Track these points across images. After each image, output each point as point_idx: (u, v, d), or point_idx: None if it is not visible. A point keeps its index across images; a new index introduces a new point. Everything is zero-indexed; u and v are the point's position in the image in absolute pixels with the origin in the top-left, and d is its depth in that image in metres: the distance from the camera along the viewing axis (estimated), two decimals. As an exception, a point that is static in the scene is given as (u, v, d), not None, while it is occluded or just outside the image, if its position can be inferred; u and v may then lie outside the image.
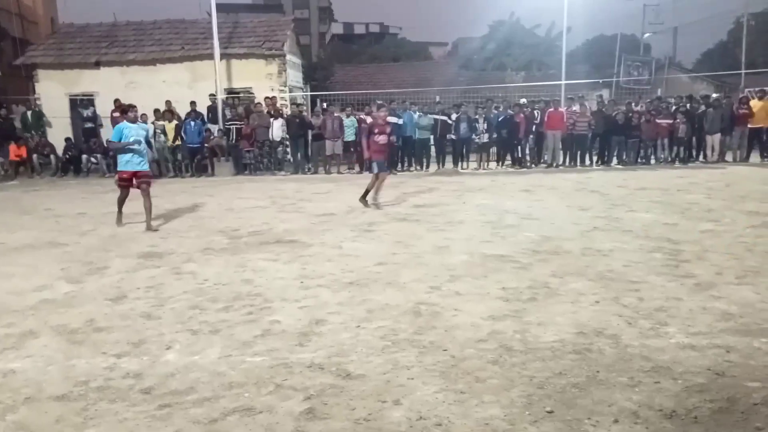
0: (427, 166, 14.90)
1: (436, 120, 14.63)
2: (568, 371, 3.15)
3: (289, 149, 15.31)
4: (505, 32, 26.62)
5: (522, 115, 14.44)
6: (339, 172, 14.70)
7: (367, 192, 9.04)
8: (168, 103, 15.27)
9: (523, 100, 16.17)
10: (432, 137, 14.90)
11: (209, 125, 15.64)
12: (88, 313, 4.38)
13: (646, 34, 30.21)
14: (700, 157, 14.73)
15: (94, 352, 3.65)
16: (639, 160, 14.73)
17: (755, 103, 14.32)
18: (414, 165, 15.00)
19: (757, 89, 15.60)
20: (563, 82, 17.00)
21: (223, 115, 15.81)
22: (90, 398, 3.03)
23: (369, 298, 4.54)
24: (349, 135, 14.70)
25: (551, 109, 14.40)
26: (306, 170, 15.05)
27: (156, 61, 17.41)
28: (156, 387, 3.13)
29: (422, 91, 18.80)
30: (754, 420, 2.59)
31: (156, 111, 15.09)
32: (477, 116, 14.74)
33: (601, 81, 22.14)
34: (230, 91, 16.94)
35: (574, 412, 2.72)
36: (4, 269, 5.84)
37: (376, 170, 9.18)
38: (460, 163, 14.92)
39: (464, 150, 14.96)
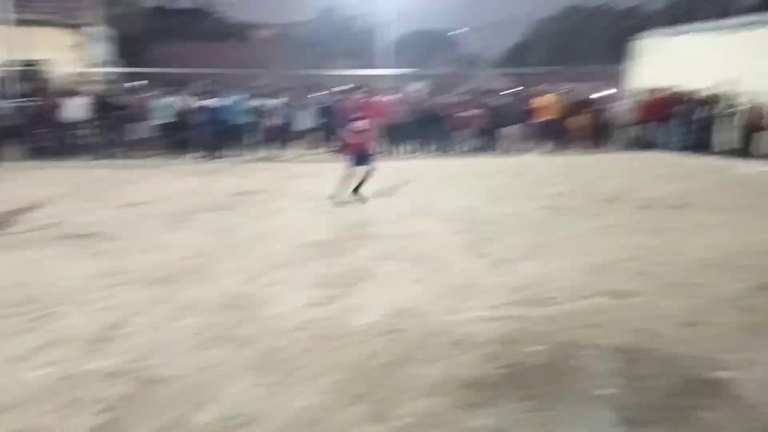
0: (250, 152, 14.46)
1: (260, 104, 14.23)
2: (381, 352, 3.26)
3: (94, 131, 13.78)
4: (331, 19, 26.84)
5: (348, 102, 14.66)
6: (153, 157, 13.62)
7: (354, 185, 8.12)
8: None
9: (343, 87, 16.44)
10: (255, 122, 14.47)
11: (-1, 101, 13.46)
12: None
13: (457, 31, 32.61)
14: (500, 147, 16.27)
15: None
16: (449, 149, 15.83)
17: (544, 99, 16.15)
18: (237, 150, 14.46)
19: (546, 85, 17.60)
20: (384, 71, 17.64)
21: (13, 90, 13.71)
22: None
23: (182, 293, 4.27)
24: (167, 117, 13.68)
25: (372, 97, 14.82)
26: (114, 155, 13.69)
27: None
28: None
29: (246, 74, 18.18)
30: (537, 380, 2.91)
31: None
32: (302, 101, 14.65)
33: (418, 72, 23.39)
34: (25, 64, 14.75)
35: (386, 391, 2.83)
36: None
37: (354, 163, 8.16)
38: (284, 149, 14.72)
39: (289, 135, 14.79)
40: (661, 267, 4.87)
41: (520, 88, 18.41)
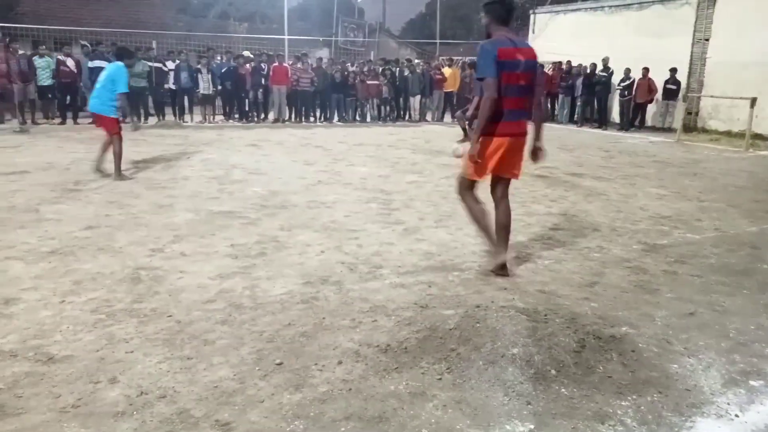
0: (145, 119, 13.60)
1: (151, 67, 13.35)
2: (296, 321, 3.24)
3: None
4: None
5: (248, 67, 14.13)
6: (34, 122, 12.46)
7: None
8: None
9: (247, 53, 15.82)
10: (152, 86, 13.59)
11: None
12: None
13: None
14: (406, 116, 16.49)
15: None
16: (356, 118, 15.82)
17: (447, 71, 16.50)
18: (129, 116, 13.53)
19: (446, 58, 17.98)
20: (286, 37, 17.13)
21: None
22: None
23: (76, 267, 3.98)
24: (45, 78, 12.51)
25: (275, 64, 14.40)
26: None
27: None
28: None
29: (135, 33, 16.92)
30: (449, 343, 3.02)
31: None
32: (199, 66, 13.93)
33: (321, 39, 22.95)
34: None
35: (302, 360, 2.82)
36: None
37: None
38: (182, 116, 13.99)
39: (186, 101, 14.06)
40: (555, 233, 5.20)
41: (421, 60, 18.66)
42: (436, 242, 4.81)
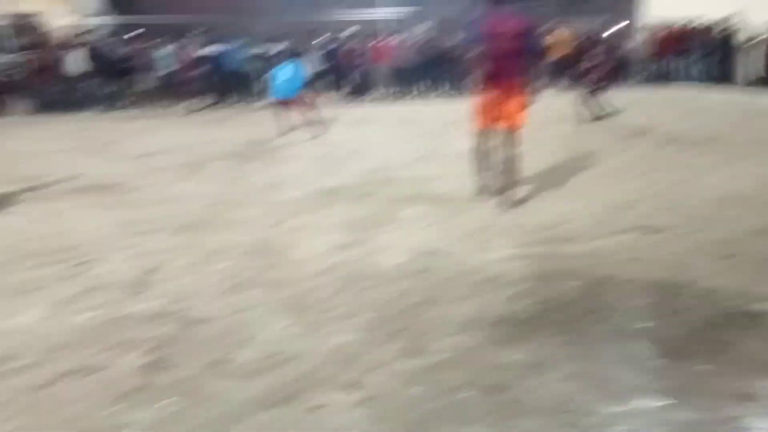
0: (256, 100, 14.27)
1: (261, 51, 13.95)
2: (409, 292, 3.32)
3: (97, 83, 13.60)
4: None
5: (352, 45, 14.37)
6: (163, 108, 13.48)
7: None
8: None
9: (353, 30, 16.04)
10: (259, 68, 14.22)
11: (-7, 55, 13.28)
12: None
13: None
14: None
15: None
16: (462, 90, 15.54)
17: (556, 35, 15.55)
18: (242, 98, 14.29)
19: (558, 22, 16.87)
20: (391, 9, 17.13)
21: (11, 44, 13.47)
22: None
23: (206, 239, 4.32)
24: (167, 66, 13.47)
25: (378, 40, 14.50)
26: (119, 107, 13.56)
27: None
28: (-36, 359, 2.70)
29: (246, 19, 17.70)
30: (571, 315, 2.95)
31: None
32: (306, 47, 14.34)
33: (424, 11, 22.64)
34: (17, 16, 14.42)
35: (419, 328, 2.89)
36: None
37: None
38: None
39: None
40: (689, 201, 4.86)
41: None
42: (550, 214, 4.67)
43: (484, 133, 4.92)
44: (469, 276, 3.51)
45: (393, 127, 9.98)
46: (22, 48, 13.43)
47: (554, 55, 15.33)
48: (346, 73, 14.75)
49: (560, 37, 15.47)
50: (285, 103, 9.33)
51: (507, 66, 4.62)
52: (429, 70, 14.96)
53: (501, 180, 4.91)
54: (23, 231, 4.62)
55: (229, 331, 2.91)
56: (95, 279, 3.63)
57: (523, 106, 4.76)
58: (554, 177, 5.93)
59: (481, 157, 5.03)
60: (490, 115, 4.77)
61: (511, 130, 4.78)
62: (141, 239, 4.34)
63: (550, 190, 5.41)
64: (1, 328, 3.01)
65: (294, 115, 9.14)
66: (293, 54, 9.43)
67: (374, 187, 5.75)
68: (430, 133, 9.24)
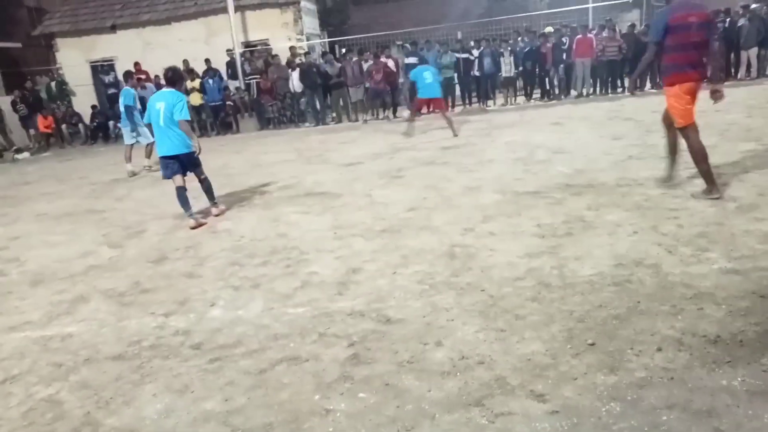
0: (453, 106, 14.61)
1: (458, 58, 14.23)
2: (608, 303, 3.14)
3: (311, 100, 15.16)
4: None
5: (549, 45, 13.93)
6: (364, 120, 14.55)
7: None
8: (186, 62, 15.14)
9: (549, 29, 15.55)
10: (456, 76, 14.54)
11: (229, 81, 15.55)
12: (132, 276, 4.53)
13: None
14: (738, 74, 14.05)
15: (142, 312, 3.79)
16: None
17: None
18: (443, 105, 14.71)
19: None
20: (590, 5, 16.21)
21: (243, 69, 15.67)
22: (144, 356, 3.17)
23: (403, 243, 4.56)
24: (370, 79, 14.43)
25: (579, 36, 13.82)
26: (329, 120, 14.93)
27: (171, 20, 17.22)
28: (205, 342, 3.25)
29: (442, 28, 18.21)
30: (802, 340, 2.55)
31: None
32: (502, 50, 14.27)
33: (631, 0, 21.04)
34: (247, 45, 16.73)
35: (616, 343, 2.73)
36: (48, 238, 6.05)
37: None
38: (486, 101, 14.58)
39: (489, 86, 14.60)
40: None
41: (761, 4, 15.53)
42: (782, 222, 4.05)
43: (694, 127, 4.86)
44: (678, 289, 3.21)
45: (597, 126, 9.44)
46: (252, 73, 15.51)
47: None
48: (544, 73, 14.32)
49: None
50: (428, 102, 10.83)
51: (698, 56, 4.73)
52: (634, 65, 13.82)
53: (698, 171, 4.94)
54: (251, 233, 5.36)
55: (422, 332, 3.06)
56: (308, 276, 4.08)
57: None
58: (791, 177, 5.11)
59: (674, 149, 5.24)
60: (693, 108, 4.84)
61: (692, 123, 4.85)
62: (345, 242, 4.76)
63: (785, 193, 4.67)
64: (230, 317, 3.55)
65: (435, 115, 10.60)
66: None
67: (574, 191, 5.53)
68: (642, 129, 8.56)
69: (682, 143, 5.05)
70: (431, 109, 11.85)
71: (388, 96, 14.47)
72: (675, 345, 2.65)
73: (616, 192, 5.33)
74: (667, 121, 5.10)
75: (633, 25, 14.72)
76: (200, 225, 5.82)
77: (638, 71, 6.00)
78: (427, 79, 10.29)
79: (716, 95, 4.74)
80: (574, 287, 3.40)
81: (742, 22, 13.67)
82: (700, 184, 4.96)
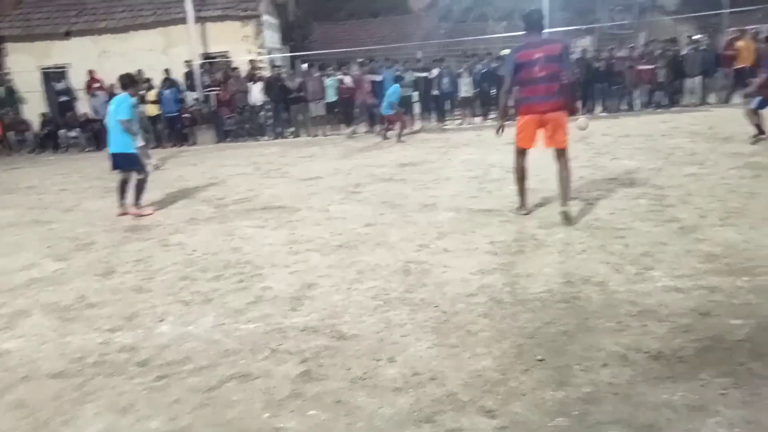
0: (411, 124, 14.75)
1: (417, 77, 14.43)
2: (557, 320, 3.21)
3: (270, 113, 15.07)
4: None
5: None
6: (324, 135, 14.53)
7: None
8: (139, 72, 14.62)
9: (506, 51, 15.93)
10: (415, 94, 14.72)
11: (187, 92, 15.32)
12: (78, 290, 4.38)
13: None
14: (682, 101, 14.71)
15: (87, 327, 3.66)
16: (622, 107, 14.70)
17: (741, 44, 14.15)
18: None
19: (744, 28, 15.31)
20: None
21: (201, 81, 15.48)
22: (86, 374, 3.05)
23: (359, 259, 4.56)
24: (331, 96, 14.48)
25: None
26: (288, 134, 14.86)
27: (128, 28, 16.90)
28: (152, 359, 3.16)
29: (403, 47, 18.47)
30: (737, 356, 2.67)
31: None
32: (460, 70, 14.55)
33: (583, 28, 21.84)
34: (206, 56, 16.54)
35: (565, 359, 2.79)
36: (-11, 250, 5.79)
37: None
38: (444, 119, 14.80)
39: (448, 105, 14.83)
40: None
41: (704, 35, 16.35)
42: (721, 243, 4.24)
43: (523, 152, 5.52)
44: (624, 306, 3.31)
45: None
46: (211, 84, 15.34)
47: (734, 65, 13.97)
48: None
49: (742, 46, 14.02)
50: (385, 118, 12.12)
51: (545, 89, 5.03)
52: (586, 88, 14.34)
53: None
54: (204, 247, 5.26)
55: (375, 348, 3.06)
56: (262, 291, 4.02)
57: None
58: (728, 202, 5.36)
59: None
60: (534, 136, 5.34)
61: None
62: (300, 257, 4.73)
63: (723, 216, 4.89)
64: (179, 333, 3.47)
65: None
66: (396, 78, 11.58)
67: (527, 209, 5.63)
68: (592, 151, 8.83)
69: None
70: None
71: (376, 109, 14.54)
72: (620, 361, 2.73)
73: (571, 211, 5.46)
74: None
75: (584, 50, 15.27)
76: (124, 214, 6.73)
77: (500, 105, 5.91)
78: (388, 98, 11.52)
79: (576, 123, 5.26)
80: (525, 304, 3.46)
81: (686, 51, 14.37)
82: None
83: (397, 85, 12.64)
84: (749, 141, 8.23)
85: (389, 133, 12.36)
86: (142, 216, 6.69)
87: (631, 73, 14.28)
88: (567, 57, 5.20)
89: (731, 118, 11.55)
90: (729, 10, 19.83)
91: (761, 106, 8.29)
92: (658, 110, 14.36)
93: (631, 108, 14.74)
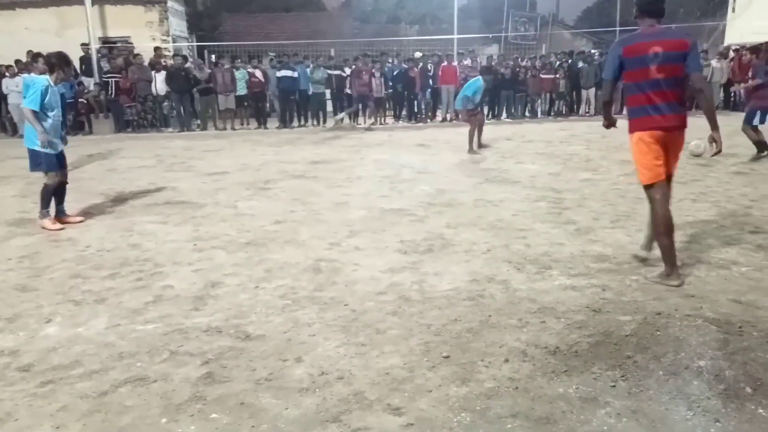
0: (324, 122, 14.67)
1: (330, 74, 14.36)
2: (462, 317, 3.29)
3: (176, 104, 14.39)
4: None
5: (416, 70, 14.53)
6: (233, 128, 14.09)
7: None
8: (29, 53, 13.55)
9: (418, 54, 16.26)
10: (327, 92, 14.65)
11: (83, 78, 14.31)
12: (-51, 289, 3.95)
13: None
14: (580, 111, 15.68)
15: (-41, 331, 3.30)
16: (525, 114, 15.44)
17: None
18: (310, 120, 14.73)
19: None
20: (455, 36, 17.25)
21: (99, 67, 14.50)
22: (-43, 381, 2.75)
23: (267, 257, 4.45)
24: (241, 89, 14.08)
25: (444, 64, 14.60)
26: (194, 127, 14.27)
27: (15, 5, 15.53)
28: (36, 363, 2.90)
29: (317, 44, 18.31)
30: (625, 349, 2.86)
31: (18, 62, 13.49)
32: (373, 70, 14.64)
33: (491, 36, 22.74)
34: (106, 41, 15.54)
35: (469, 355, 2.86)
36: None
37: None
38: (356, 118, 14.83)
39: (361, 104, 14.88)
40: (755, 237, 4.60)
41: (599, 50, 17.56)
42: (612, 244, 4.54)
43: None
44: (525, 304, 3.45)
45: (459, 150, 9.96)
46: (110, 71, 14.41)
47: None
48: (413, 96, 14.91)
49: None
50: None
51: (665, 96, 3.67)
52: (492, 94, 14.92)
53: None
54: (98, 243, 4.92)
55: (282, 348, 2.98)
56: (162, 291, 3.82)
57: None
58: (619, 206, 5.76)
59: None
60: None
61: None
62: (205, 254, 4.54)
63: (615, 219, 5.25)
64: (67, 335, 3.21)
65: None
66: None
67: (436, 209, 5.77)
68: (498, 155, 9.18)
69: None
70: None
71: (370, 101, 14.28)
72: (520, 356, 2.84)
73: (473, 212, 5.65)
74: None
75: (491, 57, 15.90)
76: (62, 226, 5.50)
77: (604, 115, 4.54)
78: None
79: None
80: (432, 302, 3.52)
81: (581, 64, 15.33)
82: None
83: (480, 77, 10.28)
84: (749, 159, 7.95)
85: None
86: (46, 229, 5.39)
87: (534, 81, 15.04)
88: (696, 57, 3.64)
89: (621, 128, 12.45)
90: (619, 28, 21.40)
91: (762, 120, 8.01)
92: (558, 118, 15.23)
93: (534, 115, 15.52)
